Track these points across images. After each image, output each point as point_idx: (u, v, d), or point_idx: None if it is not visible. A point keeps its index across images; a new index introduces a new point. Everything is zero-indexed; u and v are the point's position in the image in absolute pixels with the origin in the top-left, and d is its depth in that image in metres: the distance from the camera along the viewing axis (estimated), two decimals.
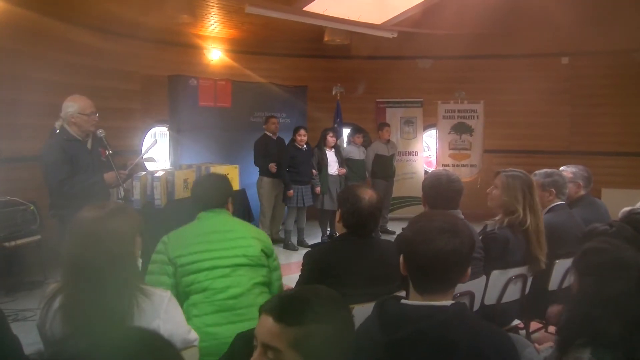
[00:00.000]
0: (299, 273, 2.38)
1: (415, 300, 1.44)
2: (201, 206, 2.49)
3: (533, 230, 2.70)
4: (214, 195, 2.50)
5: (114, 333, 0.91)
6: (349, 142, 7.78)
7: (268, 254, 2.48)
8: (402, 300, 1.46)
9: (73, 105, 3.50)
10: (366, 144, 7.63)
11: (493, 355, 1.34)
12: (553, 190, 3.14)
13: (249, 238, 2.42)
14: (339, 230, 2.39)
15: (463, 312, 1.42)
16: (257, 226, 6.93)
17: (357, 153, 7.30)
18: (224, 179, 2.64)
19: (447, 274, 1.43)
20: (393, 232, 7.08)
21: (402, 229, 2.69)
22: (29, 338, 2.13)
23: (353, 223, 2.30)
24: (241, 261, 2.35)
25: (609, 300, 1.60)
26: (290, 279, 5.04)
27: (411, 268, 1.47)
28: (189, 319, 2.10)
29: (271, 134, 6.71)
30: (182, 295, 2.27)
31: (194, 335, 1.85)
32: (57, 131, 3.57)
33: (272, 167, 6.48)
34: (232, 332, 1.80)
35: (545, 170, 3.25)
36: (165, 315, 1.73)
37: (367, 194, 2.30)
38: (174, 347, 0.93)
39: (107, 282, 1.64)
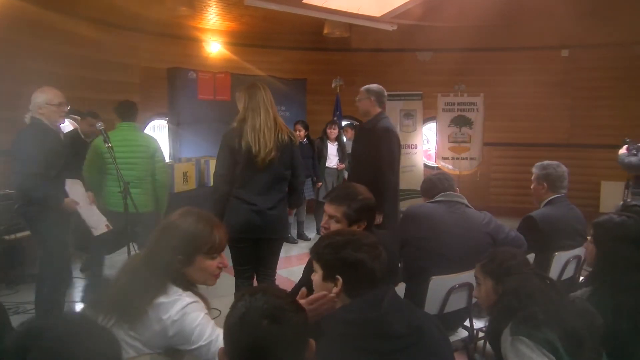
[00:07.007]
0: (300, 266, 2.38)
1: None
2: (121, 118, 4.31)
3: None
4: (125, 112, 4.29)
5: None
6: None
7: (153, 155, 4.25)
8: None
9: (40, 96, 3.43)
10: None
11: (439, 333, 1.54)
12: (545, 184, 3.14)
13: (143, 146, 4.21)
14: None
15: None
16: None
17: (349, 146, 7.31)
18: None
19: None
20: None
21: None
22: None
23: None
24: (134, 161, 4.11)
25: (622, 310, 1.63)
26: (291, 271, 5.03)
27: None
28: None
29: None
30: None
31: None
32: (28, 123, 3.45)
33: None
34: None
35: (543, 162, 3.24)
36: (181, 313, 1.66)
37: (362, 189, 2.32)
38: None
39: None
